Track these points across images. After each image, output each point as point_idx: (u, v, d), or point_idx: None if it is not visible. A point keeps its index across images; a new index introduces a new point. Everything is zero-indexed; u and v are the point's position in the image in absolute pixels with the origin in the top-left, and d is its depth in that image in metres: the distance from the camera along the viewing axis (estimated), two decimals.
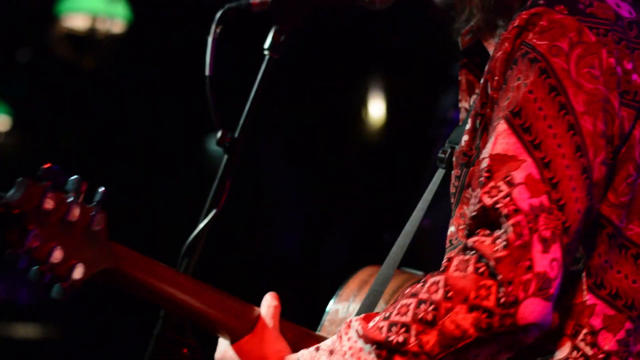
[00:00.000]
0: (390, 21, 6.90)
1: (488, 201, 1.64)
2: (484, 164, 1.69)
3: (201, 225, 2.35)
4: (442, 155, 2.03)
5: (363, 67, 8.00)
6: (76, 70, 7.56)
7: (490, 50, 1.97)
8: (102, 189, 1.76)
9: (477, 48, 2.02)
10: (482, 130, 1.82)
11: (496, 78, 1.77)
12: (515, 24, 1.76)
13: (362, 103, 8.24)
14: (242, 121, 2.38)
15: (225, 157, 2.39)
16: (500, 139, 1.68)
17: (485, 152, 1.70)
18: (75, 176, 1.72)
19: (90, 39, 6.93)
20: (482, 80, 1.83)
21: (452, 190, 1.93)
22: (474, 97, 2.04)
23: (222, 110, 2.40)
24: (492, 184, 1.65)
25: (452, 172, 1.94)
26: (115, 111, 7.89)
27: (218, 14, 2.36)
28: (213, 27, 2.37)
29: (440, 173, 2.05)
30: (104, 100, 8.07)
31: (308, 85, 8.28)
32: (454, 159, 1.93)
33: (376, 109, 8.15)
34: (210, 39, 2.37)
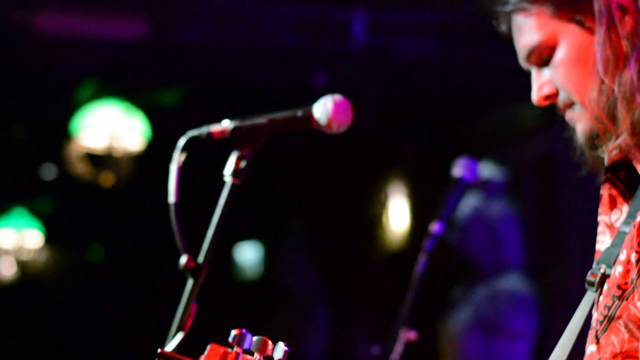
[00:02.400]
0: (407, 130, 7.01)
1: None
2: None
3: (169, 350, 2.37)
4: (592, 279, 1.99)
5: (384, 174, 8.08)
6: (96, 187, 7.70)
7: (639, 166, 2.00)
8: (284, 347, 1.75)
9: (621, 163, 2.04)
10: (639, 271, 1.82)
11: None
12: None
13: (383, 208, 8.29)
14: (205, 247, 2.42)
15: (190, 281, 2.42)
16: None
17: None
18: (258, 337, 1.75)
19: (108, 156, 7.07)
20: (638, 219, 1.84)
21: (599, 317, 1.92)
22: (617, 211, 2.06)
23: (189, 235, 2.46)
24: None
25: (601, 296, 1.94)
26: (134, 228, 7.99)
27: (181, 142, 2.43)
28: (176, 155, 2.44)
29: (590, 297, 2.02)
30: (126, 215, 8.19)
31: (330, 193, 8.36)
32: (605, 285, 1.93)
33: (397, 213, 8.18)
34: (173, 167, 2.43)
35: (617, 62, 1.93)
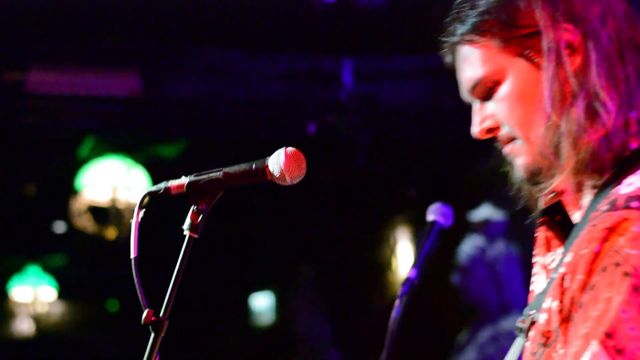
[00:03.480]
0: (407, 174, 7.04)
1: None
2: None
3: None
4: (522, 325, 2.02)
5: (390, 220, 8.11)
6: (102, 240, 7.77)
7: (572, 212, 2.00)
8: None
9: (557, 206, 2.05)
10: (562, 319, 1.82)
11: (581, 277, 1.78)
12: (607, 226, 1.76)
13: (391, 253, 8.30)
14: (165, 301, 2.44)
15: (152, 335, 2.43)
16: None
17: None
18: None
19: (111, 210, 7.14)
20: (560, 272, 1.84)
21: None
22: (552, 253, 2.07)
23: (152, 289, 2.48)
24: None
25: (528, 343, 1.95)
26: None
27: (139, 198, 2.47)
28: (135, 210, 2.47)
29: (520, 343, 2.04)
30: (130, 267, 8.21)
31: (338, 240, 8.38)
32: (532, 332, 1.94)
33: (405, 258, 8.19)
34: (133, 222, 2.46)
35: (564, 99, 1.92)
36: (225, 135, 6.14)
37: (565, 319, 1.81)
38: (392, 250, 8.24)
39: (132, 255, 2.47)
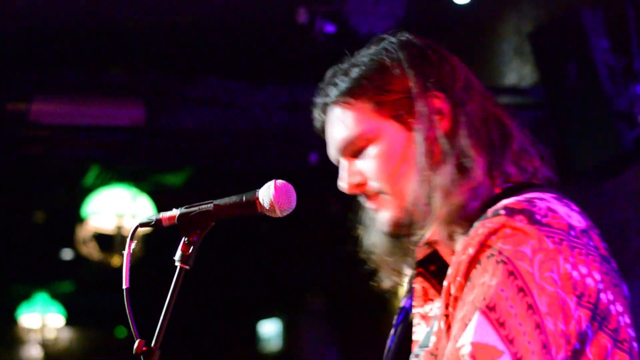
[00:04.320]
0: None
1: None
2: (466, 350, 1.81)
3: None
4: None
5: None
6: (108, 267, 7.81)
7: (448, 258, 2.10)
8: None
9: (432, 257, 2.16)
10: (447, 329, 1.93)
11: (459, 279, 1.91)
12: (480, 232, 1.90)
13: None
14: (157, 331, 2.46)
15: None
16: (479, 329, 1.82)
17: (465, 339, 1.82)
18: None
19: (117, 238, 7.18)
20: (445, 284, 1.95)
21: None
22: (429, 303, 2.16)
23: (144, 319, 2.51)
24: None
25: None
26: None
27: (130, 231, 2.50)
28: (127, 241, 2.50)
29: None
30: (138, 293, 8.25)
31: (345, 267, 8.39)
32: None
33: None
34: (125, 253, 2.49)
35: (436, 157, 2.05)
36: (229, 164, 6.17)
37: (449, 326, 1.92)
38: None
39: (124, 285, 2.50)
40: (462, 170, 2.03)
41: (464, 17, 6.29)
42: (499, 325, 1.80)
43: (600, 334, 1.86)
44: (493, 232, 1.88)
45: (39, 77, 5.44)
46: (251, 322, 10.95)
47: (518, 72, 6.27)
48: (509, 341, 1.79)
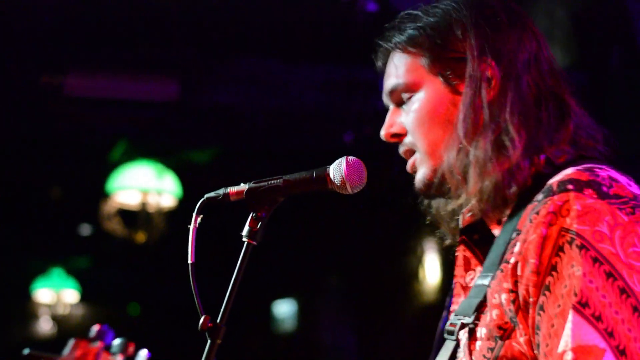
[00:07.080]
0: None
1: None
2: (568, 356, 1.76)
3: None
4: (452, 328, 2.04)
5: (418, 230, 8.10)
6: (130, 244, 7.79)
7: (494, 230, 2.06)
8: (145, 352, 1.86)
9: (475, 226, 2.11)
10: (517, 308, 1.87)
11: (533, 261, 1.84)
12: (550, 210, 1.84)
13: (419, 264, 8.28)
14: (223, 307, 2.43)
15: (209, 342, 2.43)
16: (576, 329, 1.76)
17: (565, 344, 1.77)
18: (121, 338, 1.85)
19: (141, 214, 7.15)
20: (511, 261, 1.89)
21: None
22: (471, 273, 2.12)
23: (210, 295, 2.49)
24: None
25: (478, 342, 1.97)
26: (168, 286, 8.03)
27: (198, 204, 2.46)
28: (194, 216, 2.46)
29: (449, 345, 2.07)
30: (160, 271, 8.24)
31: (364, 250, 8.38)
32: (484, 330, 1.96)
33: (432, 269, 8.17)
34: (191, 228, 2.46)
35: (476, 127, 2.01)
36: (261, 144, 6.14)
37: (522, 308, 1.86)
38: (420, 261, 8.22)
39: (190, 260, 2.47)
40: (499, 146, 1.98)
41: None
42: (595, 320, 1.76)
43: None
44: (565, 211, 1.82)
45: (75, 51, 5.41)
46: (266, 302, 10.93)
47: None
48: (608, 334, 1.74)
